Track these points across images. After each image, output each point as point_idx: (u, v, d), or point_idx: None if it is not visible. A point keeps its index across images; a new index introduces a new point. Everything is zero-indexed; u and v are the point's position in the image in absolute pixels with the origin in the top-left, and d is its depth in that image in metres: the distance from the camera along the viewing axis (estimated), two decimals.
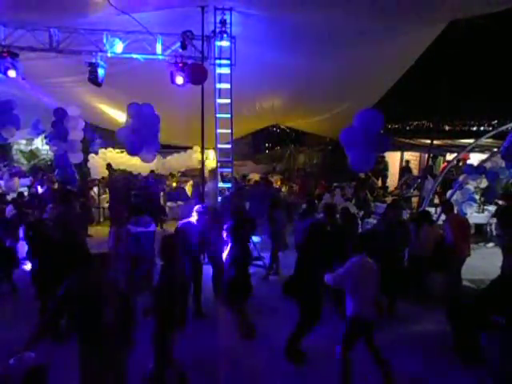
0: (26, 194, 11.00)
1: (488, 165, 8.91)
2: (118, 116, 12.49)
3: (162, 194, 13.09)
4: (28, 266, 6.68)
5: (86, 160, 13.55)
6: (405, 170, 15.87)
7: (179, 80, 8.49)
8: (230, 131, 8.90)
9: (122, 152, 13.94)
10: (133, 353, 3.57)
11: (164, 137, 10.30)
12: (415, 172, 15.80)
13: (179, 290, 4.02)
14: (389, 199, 11.68)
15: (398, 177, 16.19)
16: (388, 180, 15.92)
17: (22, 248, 7.03)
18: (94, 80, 8.55)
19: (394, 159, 16.56)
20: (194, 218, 6.29)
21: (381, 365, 4.33)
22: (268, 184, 12.30)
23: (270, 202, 8.42)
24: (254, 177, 15.29)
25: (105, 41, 8.47)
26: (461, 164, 12.82)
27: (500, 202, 10.01)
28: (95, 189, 13.31)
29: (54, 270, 5.13)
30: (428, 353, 5.16)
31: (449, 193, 9.31)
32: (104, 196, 13.15)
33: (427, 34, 9.47)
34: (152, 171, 13.03)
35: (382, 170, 15.63)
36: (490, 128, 17.16)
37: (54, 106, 11.26)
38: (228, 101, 8.78)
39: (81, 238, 6.87)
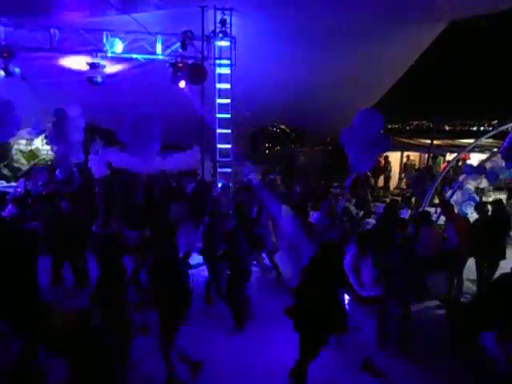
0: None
1: (488, 165, 8.88)
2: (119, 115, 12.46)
3: None
4: None
5: (86, 160, 13.50)
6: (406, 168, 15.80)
7: (182, 84, 8.64)
8: (230, 131, 8.89)
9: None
10: None
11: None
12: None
13: None
14: (389, 199, 11.65)
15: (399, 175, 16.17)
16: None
17: None
18: (93, 80, 8.56)
19: (394, 159, 16.55)
20: None
21: None
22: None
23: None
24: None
25: (105, 41, 8.47)
26: (461, 164, 12.80)
27: None
28: None
29: None
30: (428, 353, 5.15)
31: (449, 193, 9.29)
32: None
33: (427, 34, 9.47)
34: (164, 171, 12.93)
35: (387, 170, 15.59)
36: (490, 128, 17.13)
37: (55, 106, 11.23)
38: (228, 101, 8.77)
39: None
